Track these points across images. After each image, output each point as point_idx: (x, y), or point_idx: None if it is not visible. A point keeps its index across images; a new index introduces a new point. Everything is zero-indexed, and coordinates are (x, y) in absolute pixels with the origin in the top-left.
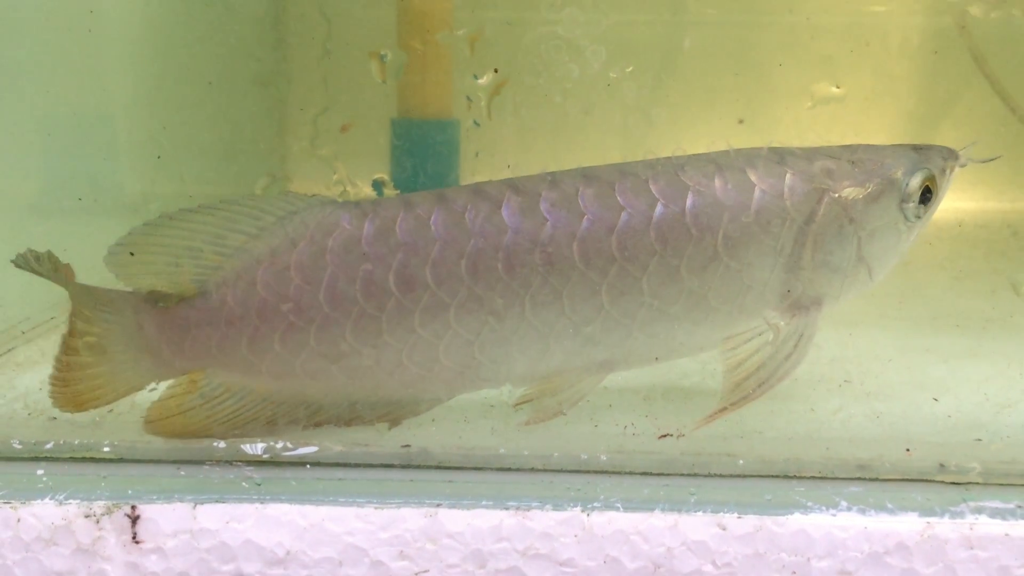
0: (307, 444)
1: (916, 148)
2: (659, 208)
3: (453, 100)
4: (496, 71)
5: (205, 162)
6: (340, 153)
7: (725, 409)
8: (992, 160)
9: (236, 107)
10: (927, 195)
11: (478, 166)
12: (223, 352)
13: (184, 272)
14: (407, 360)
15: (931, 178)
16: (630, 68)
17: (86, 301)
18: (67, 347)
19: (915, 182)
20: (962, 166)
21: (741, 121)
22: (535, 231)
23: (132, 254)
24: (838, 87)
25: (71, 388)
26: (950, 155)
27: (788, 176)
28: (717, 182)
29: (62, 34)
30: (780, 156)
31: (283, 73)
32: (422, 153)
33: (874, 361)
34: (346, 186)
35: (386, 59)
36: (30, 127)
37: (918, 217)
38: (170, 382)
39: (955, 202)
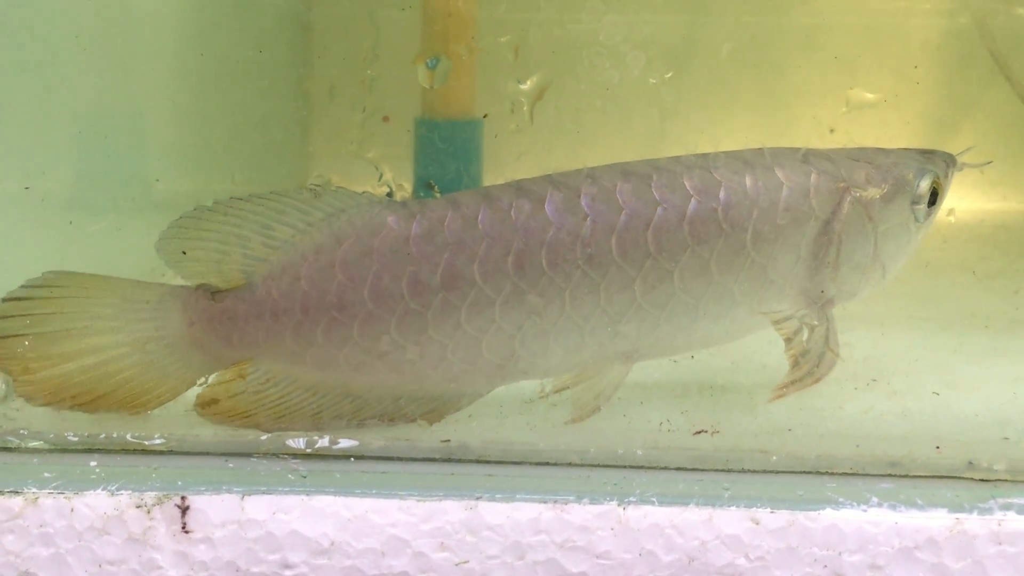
0: (350, 438)
1: (922, 152)
2: (693, 203)
3: (477, 100)
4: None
5: (251, 163)
6: (373, 139)
7: (794, 383)
8: (986, 165)
9: (282, 110)
10: (933, 197)
11: (520, 167)
12: (270, 342)
13: (232, 261)
14: (451, 355)
15: (938, 180)
16: (669, 74)
17: (134, 301)
18: (115, 356)
19: (925, 184)
20: (959, 170)
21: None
22: (577, 226)
23: (183, 228)
24: (871, 93)
25: (126, 395)
26: (950, 159)
27: (813, 175)
28: (748, 179)
29: (111, 37)
30: (805, 156)
31: (327, 77)
32: (445, 152)
33: (901, 361)
34: (392, 188)
35: (433, 66)
36: (80, 125)
37: (926, 218)
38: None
39: (977, 203)
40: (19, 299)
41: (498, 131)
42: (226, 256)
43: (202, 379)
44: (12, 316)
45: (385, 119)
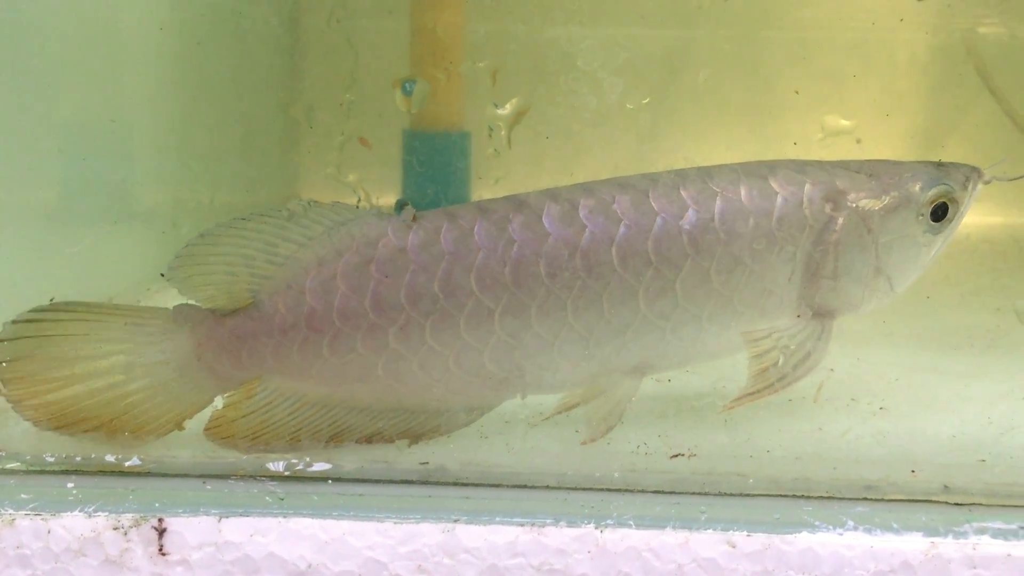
0: (327, 460)
1: (937, 165)
2: (691, 213)
3: (465, 113)
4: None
5: (231, 187)
6: (352, 162)
7: (751, 395)
8: (1020, 178)
9: (262, 134)
10: (943, 210)
11: (499, 192)
12: (278, 359)
13: (239, 282)
14: (453, 366)
15: (947, 193)
16: (647, 99)
17: (138, 323)
18: (123, 380)
19: (930, 196)
20: (986, 183)
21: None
22: (575, 237)
23: (192, 255)
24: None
25: (135, 420)
26: (972, 172)
27: (808, 185)
28: (743, 189)
29: (97, 55)
30: (801, 167)
31: (306, 101)
32: (434, 164)
33: (881, 380)
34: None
35: (409, 91)
36: (54, 141)
37: (937, 231)
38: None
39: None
40: (28, 321)
41: (476, 154)
42: (235, 277)
43: (211, 404)
44: (21, 338)
45: (363, 141)
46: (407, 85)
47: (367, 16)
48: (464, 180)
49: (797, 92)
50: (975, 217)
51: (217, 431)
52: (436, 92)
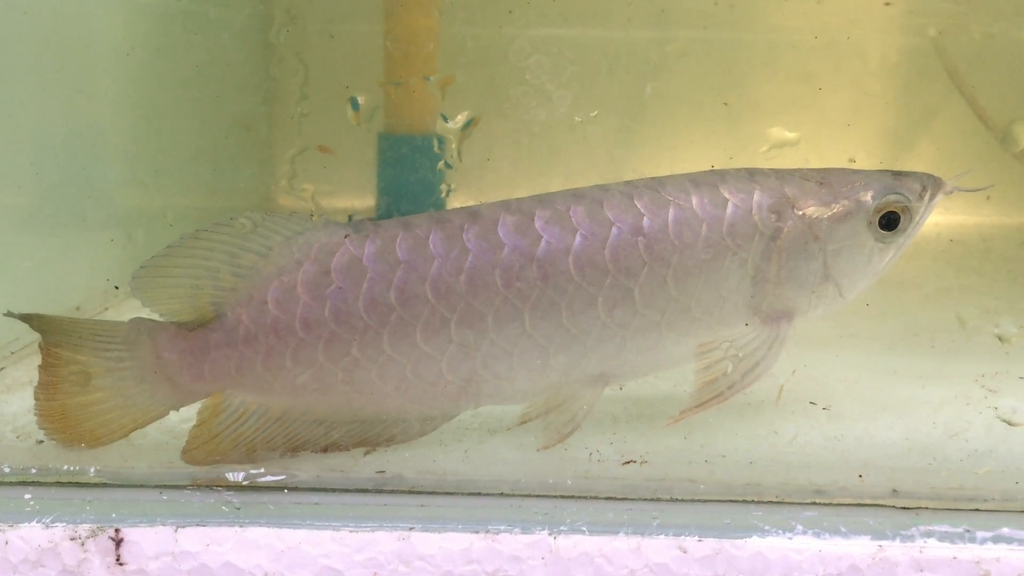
0: (283, 470)
1: (895, 173)
2: (646, 222)
3: (438, 116)
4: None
5: (190, 199)
6: (328, 164)
7: (695, 408)
8: (982, 189)
9: (220, 148)
10: (895, 219)
11: (449, 205)
12: (241, 373)
13: (203, 295)
14: (411, 375)
15: (899, 203)
16: (595, 112)
17: (97, 336)
18: (74, 386)
19: (880, 205)
20: (948, 194)
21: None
22: (531, 247)
23: (156, 268)
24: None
25: (85, 426)
26: (931, 182)
27: (757, 192)
28: (694, 197)
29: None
30: (751, 174)
31: (265, 116)
32: (408, 166)
33: (840, 382)
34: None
35: (357, 107)
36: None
37: (886, 240)
38: (197, 408)
39: (930, 217)
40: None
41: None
42: (199, 290)
43: (172, 413)
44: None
45: (323, 149)
46: (353, 100)
47: (341, 21)
48: (439, 181)
49: (726, 104)
50: (944, 216)
51: (193, 454)
52: (411, 95)
